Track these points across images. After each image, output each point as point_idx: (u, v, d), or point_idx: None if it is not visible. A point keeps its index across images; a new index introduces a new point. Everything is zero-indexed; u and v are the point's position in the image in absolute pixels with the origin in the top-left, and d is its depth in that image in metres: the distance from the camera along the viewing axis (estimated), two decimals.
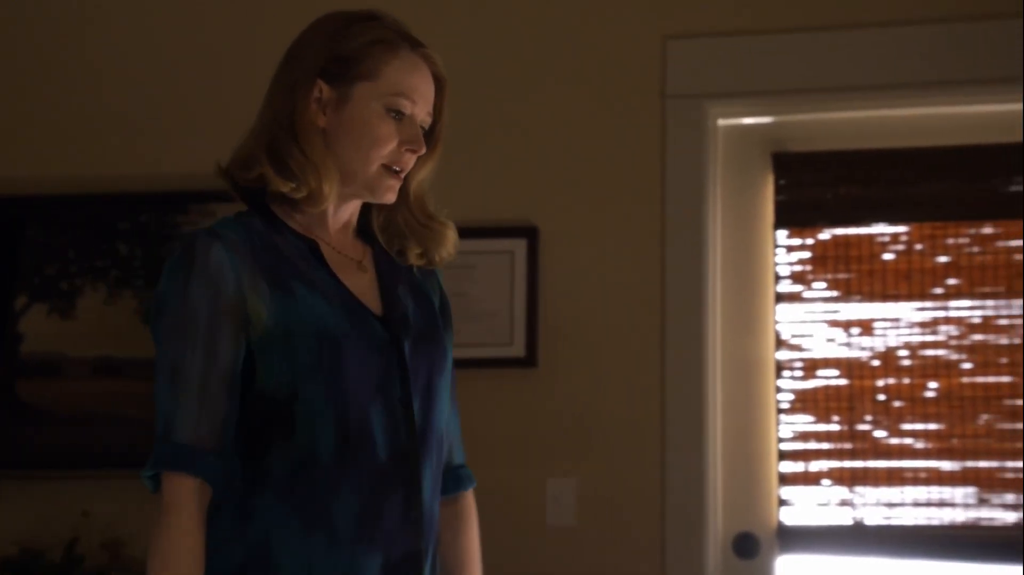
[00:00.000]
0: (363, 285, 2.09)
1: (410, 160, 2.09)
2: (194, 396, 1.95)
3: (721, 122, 3.81)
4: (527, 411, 3.75)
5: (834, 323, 3.72)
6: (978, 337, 3.66)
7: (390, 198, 2.09)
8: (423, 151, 2.09)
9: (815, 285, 3.74)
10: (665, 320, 3.70)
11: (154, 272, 3.81)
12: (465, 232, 3.76)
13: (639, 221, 3.75)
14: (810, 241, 3.75)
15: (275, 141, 2.03)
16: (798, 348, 3.72)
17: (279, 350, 1.97)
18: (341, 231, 2.12)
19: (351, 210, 2.13)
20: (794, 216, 3.75)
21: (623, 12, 3.84)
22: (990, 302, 3.66)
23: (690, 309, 3.69)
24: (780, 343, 3.73)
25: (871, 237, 3.73)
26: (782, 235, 3.76)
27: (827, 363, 3.71)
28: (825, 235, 3.75)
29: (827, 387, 3.70)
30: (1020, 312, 3.64)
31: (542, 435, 3.72)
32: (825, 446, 3.68)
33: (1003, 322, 3.65)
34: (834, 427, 3.68)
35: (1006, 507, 3.58)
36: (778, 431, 3.69)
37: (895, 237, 3.72)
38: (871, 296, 3.72)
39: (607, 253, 3.76)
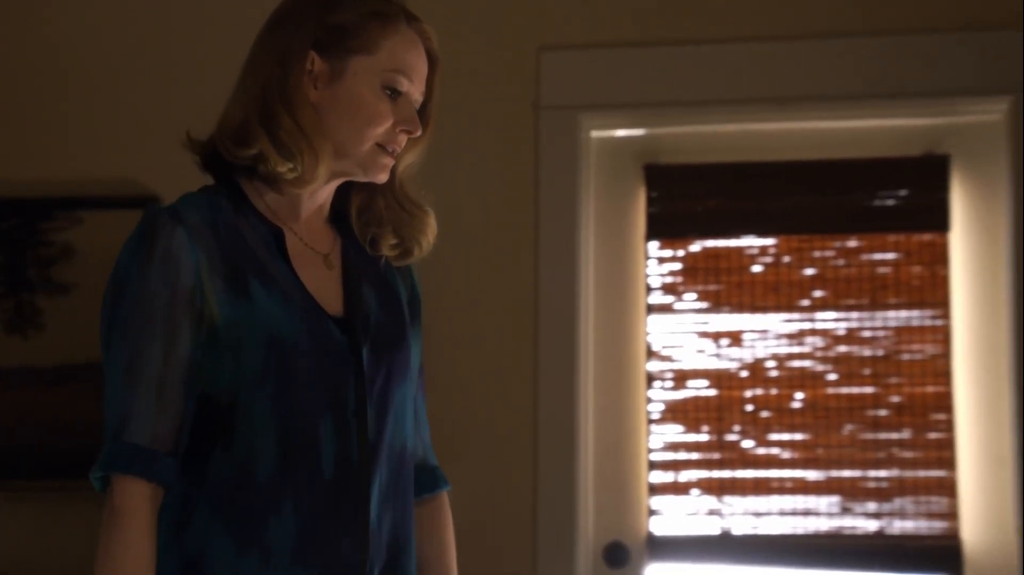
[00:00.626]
0: (326, 283, 1.96)
1: (403, 141, 1.97)
2: (151, 393, 1.83)
3: (594, 134, 3.83)
4: None
5: (704, 334, 3.77)
6: (843, 348, 3.73)
7: (383, 177, 1.97)
8: (419, 132, 1.98)
9: (686, 296, 3.78)
10: (538, 330, 3.71)
11: (18, 280, 3.73)
12: None
13: (512, 232, 3.76)
14: (681, 253, 3.79)
15: (269, 115, 1.89)
16: (669, 359, 3.76)
17: (226, 354, 1.86)
18: (314, 215, 1.99)
19: (327, 192, 2.00)
20: (665, 228, 3.79)
21: (497, 22, 3.83)
22: (854, 314, 3.73)
23: (563, 319, 3.71)
24: (651, 354, 3.76)
25: (740, 249, 3.78)
26: (654, 246, 3.79)
27: (697, 374, 3.76)
28: (696, 247, 3.78)
29: (696, 398, 3.74)
30: (883, 324, 3.71)
31: None
32: (694, 456, 3.73)
33: (867, 334, 3.73)
34: (703, 437, 3.73)
35: (868, 516, 3.66)
36: (648, 441, 3.73)
37: (763, 249, 3.77)
38: (740, 307, 3.77)
39: (480, 264, 3.76)
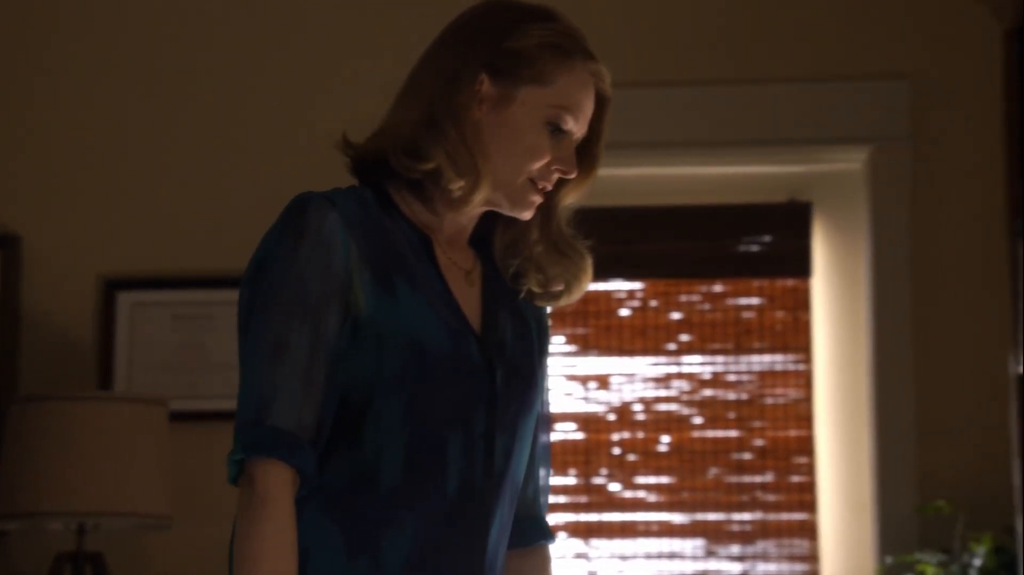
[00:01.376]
0: (466, 298, 1.87)
1: (554, 180, 1.87)
2: (298, 378, 1.70)
3: None
4: None
5: (572, 377, 3.79)
6: (708, 392, 3.77)
7: (528, 215, 1.87)
8: (574, 175, 1.88)
9: (554, 340, 3.79)
10: None
11: None
12: (205, 282, 3.73)
13: None
14: None
15: (437, 130, 1.80)
16: None
17: (366, 350, 1.74)
18: (456, 235, 1.89)
19: (472, 218, 1.90)
20: None
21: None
22: (719, 358, 3.78)
23: None
24: None
25: (608, 293, 3.81)
26: None
27: (565, 417, 3.77)
28: None
29: (564, 441, 3.76)
30: (747, 368, 3.77)
31: None
32: (562, 499, 3.74)
33: (731, 378, 3.78)
34: (571, 480, 3.75)
35: (732, 559, 3.70)
36: None
37: (631, 293, 3.81)
38: (608, 351, 3.79)
39: None
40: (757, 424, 3.75)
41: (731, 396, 3.77)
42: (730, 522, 3.72)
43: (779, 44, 3.74)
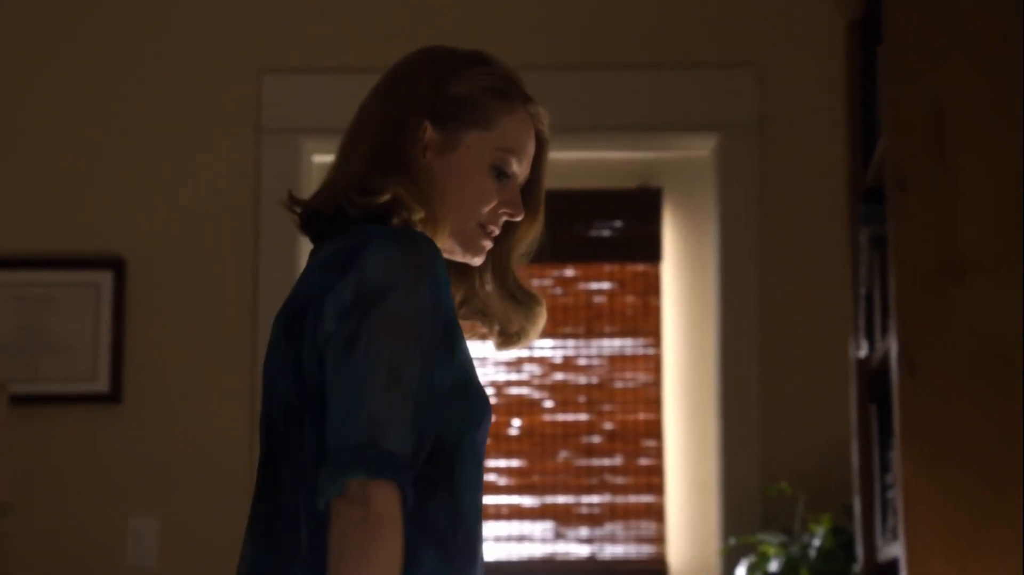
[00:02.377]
0: None
1: (501, 224, 1.87)
2: (409, 406, 1.67)
3: (316, 158, 3.80)
4: (110, 448, 3.64)
5: None
6: (559, 376, 3.79)
7: (479, 260, 1.87)
8: (520, 217, 1.87)
9: None
10: (256, 358, 3.66)
11: None
12: (47, 263, 3.66)
13: (232, 256, 3.70)
14: None
15: (388, 172, 1.79)
16: None
17: (458, 395, 1.74)
18: None
19: None
20: None
21: (219, 43, 3.77)
22: (571, 342, 3.80)
23: None
24: None
25: None
26: None
27: None
28: None
29: None
30: (598, 353, 3.80)
31: (124, 472, 3.63)
32: None
33: (582, 362, 3.80)
34: None
35: (580, 541, 3.73)
36: None
37: None
38: None
39: (198, 288, 3.69)
40: (607, 407, 3.78)
41: (582, 380, 3.80)
42: (579, 505, 3.75)
43: (629, 31, 3.76)
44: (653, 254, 3.80)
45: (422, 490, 1.72)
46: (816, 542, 3.31)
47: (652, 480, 3.75)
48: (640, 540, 3.73)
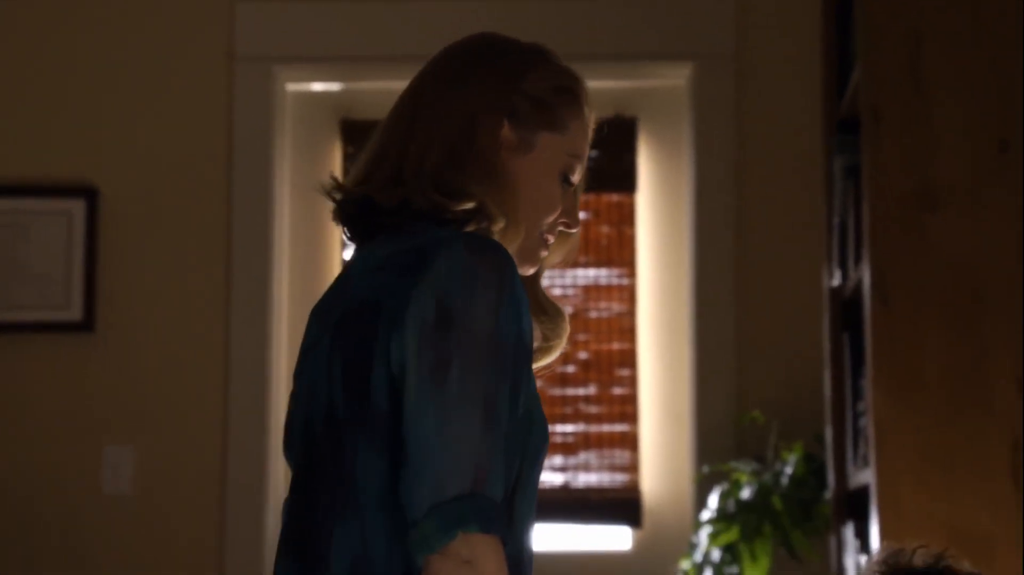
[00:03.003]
0: None
1: (556, 235, 1.74)
2: (502, 444, 1.53)
3: (290, 87, 3.78)
4: (84, 376, 3.64)
5: None
6: None
7: (531, 270, 1.73)
8: (577, 229, 1.75)
9: None
10: (230, 287, 3.66)
11: None
12: (19, 191, 3.64)
13: (205, 184, 3.69)
14: None
15: (471, 173, 1.64)
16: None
17: (524, 424, 1.60)
18: None
19: None
20: None
21: None
22: (545, 272, 3.80)
23: (256, 275, 3.66)
24: None
25: None
26: None
27: None
28: None
29: None
30: (572, 282, 3.80)
31: (99, 401, 3.63)
32: None
33: (557, 291, 3.81)
34: None
35: (554, 469, 3.75)
36: None
37: None
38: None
39: (171, 217, 3.68)
40: (581, 337, 3.79)
41: None
42: (553, 433, 3.76)
43: None
44: (628, 184, 3.80)
45: None
46: (788, 470, 3.33)
47: (626, 409, 3.77)
48: (614, 468, 3.75)
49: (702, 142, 3.71)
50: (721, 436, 3.60)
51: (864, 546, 2.81)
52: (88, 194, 3.64)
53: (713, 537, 3.33)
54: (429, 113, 1.68)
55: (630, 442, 3.75)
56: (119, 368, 3.65)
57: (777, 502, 3.28)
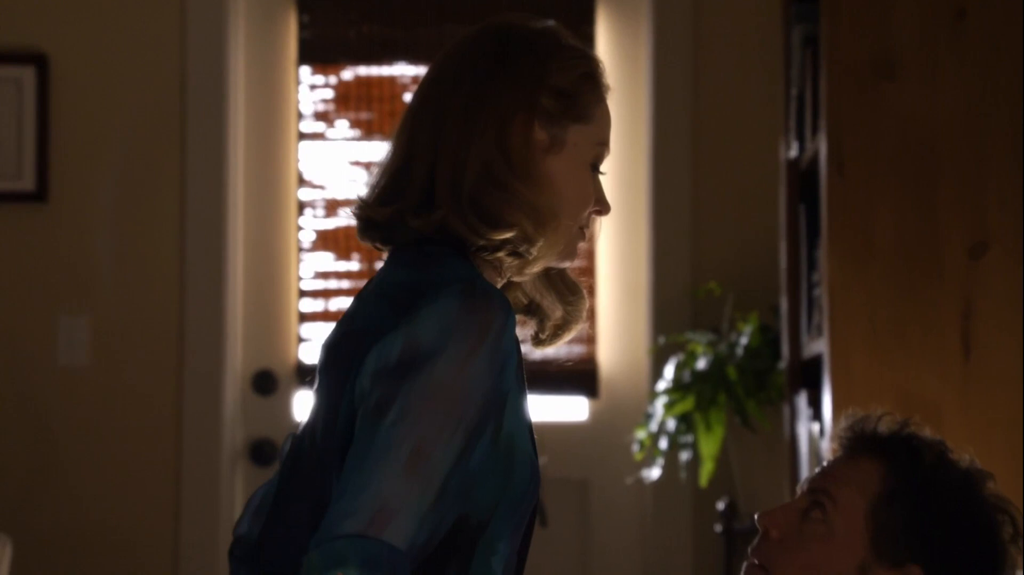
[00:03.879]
0: None
1: (593, 223, 1.68)
2: (429, 496, 1.49)
3: None
4: (37, 247, 3.62)
5: (355, 163, 3.76)
6: None
7: (570, 264, 1.70)
8: (608, 213, 1.69)
9: (338, 124, 3.75)
10: (185, 156, 3.63)
11: None
12: None
13: (158, 53, 3.64)
14: (333, 80, 3.75)
15: (509, 192, 1.57)
16: (320, 187, 3.74)
17: (498, 472, 1.55)
18: None
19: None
20: (318, 54, 3.74)
21: None
22: None
23: (211, 146, 3.63)
24: (302, 182, 3.74)
25: (393, 77, 3.76)
26: (306, 72, 3.74)
27: (348, 203, 3.75)
28: (348, 74, 3.75)
29: (348, 227, 3.74)
30: None
31: (53, 272, 3.61)
32: (345, 284, 3.74)
33: None
34: (354, 265, 3.75)
35: None
36: (299, 269, 3.72)
37: (416, 78, 3.77)
38: (391, 136, 3.76)
39: (124, 85, 3.63)
40: None
41: None
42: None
43: None
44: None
45: (428, 572, 1.53)
46: (743, 340, 3.36)
47: (583, 281, 3.76)
48: (571, 340, 3.75)
49: (660, 13, 3.67)
50: (677, 307, 3.62)
51: (817, 414, 2.84)
52: (38, 61, 3.59)
53: (668, 407, 3.36)
54: (456, 125, 1.60)
55: (587, 314, 3.76)
56: (73, 238, 3.62)
57: (732, 372, 3.31)
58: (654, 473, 3.43)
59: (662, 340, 3.54)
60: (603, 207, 1.68)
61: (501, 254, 1.59)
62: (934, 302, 2.53)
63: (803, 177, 3.02)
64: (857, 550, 1.58)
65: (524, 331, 1.70)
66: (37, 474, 3.58)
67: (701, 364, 3.35)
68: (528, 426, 1.59)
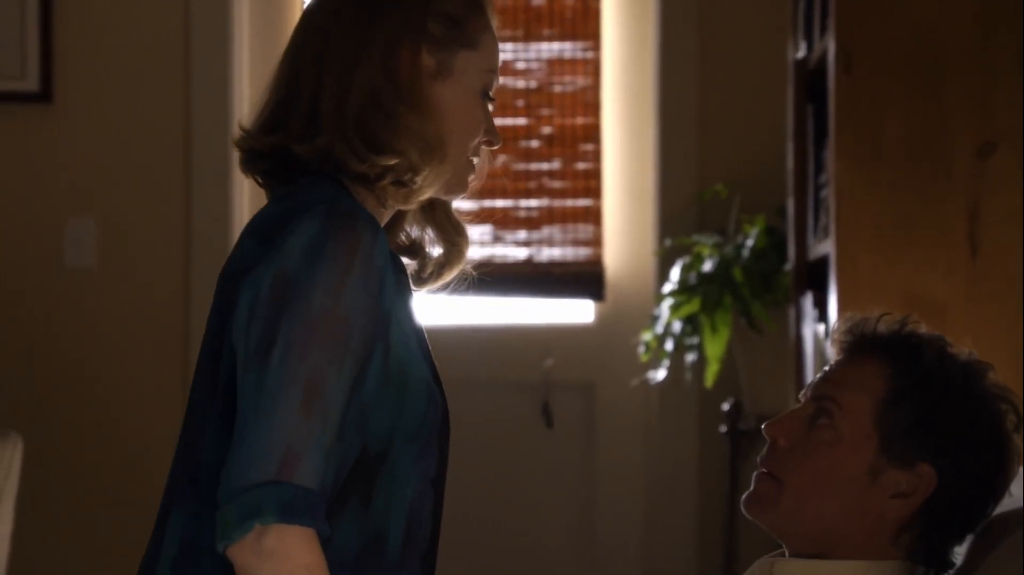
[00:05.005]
0: None
1: (482, 154, 1.64)
2: (329, 430, 1.46)
3: None
4: (43, 149, 3.61)
5: None
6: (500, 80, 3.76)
7: (461, 196, 1.64)
8: (499, 144, 1.65)
9: None
10: (190, 56, 3.62)
11: None
12: None
13: None
14: None
15: (394, 118, 1.54)
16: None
17: (392, 398, 1.53)
18: None
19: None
20: None
21: None
22: (508, 46, 3.76)
23: (216, 45, 3.62)
24: None
25: None
26: None
27: None
28: None
29: None
30: (536, 56, 3.76)
31: (59, 174, 3.61)
32: None
33: (520, 66, 3.77)
34: None
35: (518, 244, 3.77)
36: None
37: None
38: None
39: None
40: (545, 112, 3.77)
41: (520, 84, 3.77)
42: (517, 208, 3.77)
43: None
44: None
45: (334, 506, 1.51)
46: (749, 242, 3.35)
47: (590, 184, 3.76)
48: (577, 243, 3.77)
49: None
50: (684, 210, 3.62)
51: (822, 315, 2.85)
52: None
53: (674, 309, 3.36)
54: (341, 49, 1.56)
55: (594, 216, 3.76)
56: (79, 139, 3.61)
57: (738, 274, 3.31)
58: (660, 375, 3.45)
59: (668, 243, 3.54)
60: (493, 137, 1.63)
61: (385, 182, 1.55)
62: (941, 202, 2.52)
63: (811, 77, 3.00)
64: (866, 453, 1.58)
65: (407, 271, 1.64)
66: (45, 374, 3.60)
67: (707, 266, 3.35)
68: (420, 339, 1.56)
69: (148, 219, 3.62)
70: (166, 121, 3.62)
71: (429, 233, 1.66)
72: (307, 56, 1.57)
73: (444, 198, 1.63)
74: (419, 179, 1.56)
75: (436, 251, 1.67)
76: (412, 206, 1.60)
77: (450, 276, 1.67)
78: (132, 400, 3.62)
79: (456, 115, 1.58)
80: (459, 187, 1.62)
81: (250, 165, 1.60)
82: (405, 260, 1.64)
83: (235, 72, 3.65)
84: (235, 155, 3.74)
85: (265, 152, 1.58)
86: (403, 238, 1.66)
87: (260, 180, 1.61)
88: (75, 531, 3.60)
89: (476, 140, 1.61)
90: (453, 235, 1.67)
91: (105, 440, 3.61)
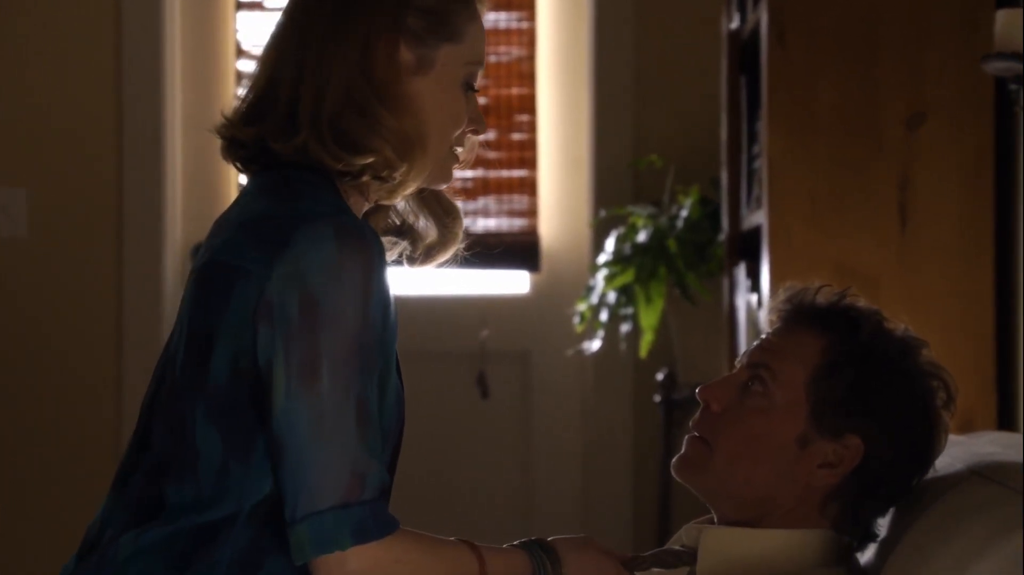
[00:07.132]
0: None
1: (467, 143, 1.66)
2: (379, 439, 1.52)
3: None
4: None
5: None
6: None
7: (444, 186, 1.67)
8: (484, 133, 1.67)
9: None
10: (121, 25, 3.58)
11: None
12: None
13: None
14: None
15: (371, 117, 1.55)
16: (258, 58, 3.70)
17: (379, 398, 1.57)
18: None
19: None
20: None
21: None
22: (502, 15, 3.75)
23: (148, 16, 3.60)
24: (240, 52, 3.71)
25: None
26: None
27: None
28: None
29: None
30: (524, 26, 3.75)
31: None
32: None
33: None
34: None
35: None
36: None
37: None
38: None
39: None
40: (480, 83, 3.75)
41: (513, 52, 3.76)
42: (452, 179, 3.76)
43: None
44: None
45: (260, 549, 1.53)
46: (684, 213, 3.37)
47: (525, 155, 3.77)
48: (513, 214, 3.77)
49: None
50: (619, 180, 3.63)
51: (755, 285, 2.87)
52: None
53: (609, 279, 3.38)
54: (320, 45, 1.56)
55: (529, 187, 3.77)
56: (8, 108, 3.58)
57: (672, 245, 3.33)
58: (595, 345, 3.47)
59: (603, 213, 3.55)
60: (478, 126, 1.65)
61: (364, 179, 1.56)
62: (872, 173, 2.55)
63: (744, 48, 3.01)
64: (797, 422, 1.59)
65: (396, 251, 1.67)
66: None
67: (642, 237, 3.36)
68: (394, 335, 1.58)
69: (80, 189, 3.59)
70: (97, 90, 3.59)
71: (420, 216, 1.68)
72: (289, 47, 1.58)
73: (427, 186, 1.64)
74: (398, 175, 1.56)
75: (425, 228, 1.68)
76: (396, 200, 1.61)
77: (444, 258, 1.70)
78: (64, 369, 3.59)
79: (436, 109, 1.59)
80: (442, 178, 1.64)
81: (230, 152, 1.61)
82: (395, 240, 1.66)
83: (166, 38, 3.63)
84: (166, 124, 3.74)
85: (245, 143, 1.58)
86: (393, 219, 1.67)
87: (240, 166, 1.61)
88: (2, 503, 3.58)
89: (459, 131, 1.62)
90: (445, 217, 1.69)
91: (35, 413, 3.58)
